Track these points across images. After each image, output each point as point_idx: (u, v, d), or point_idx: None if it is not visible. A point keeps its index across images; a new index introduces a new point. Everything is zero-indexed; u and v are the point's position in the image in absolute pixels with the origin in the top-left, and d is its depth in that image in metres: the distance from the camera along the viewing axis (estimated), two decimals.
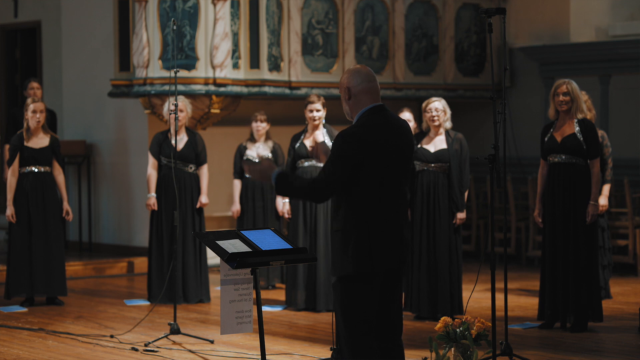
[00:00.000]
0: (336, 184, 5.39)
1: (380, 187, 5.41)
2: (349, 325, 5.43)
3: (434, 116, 9.21)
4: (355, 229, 5.39)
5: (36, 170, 10.08)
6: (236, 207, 11.17)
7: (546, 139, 8.80)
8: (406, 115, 10.10)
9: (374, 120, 5.45)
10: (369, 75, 5.50)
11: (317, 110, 9.73)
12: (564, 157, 8.70)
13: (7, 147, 10.91)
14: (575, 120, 8.69)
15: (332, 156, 5.41)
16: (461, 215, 9.24)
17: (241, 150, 11.20)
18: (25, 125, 10.05)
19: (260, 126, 11.14)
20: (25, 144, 10.04)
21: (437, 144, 9.29)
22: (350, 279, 5.42)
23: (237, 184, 11.20)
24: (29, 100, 10.07)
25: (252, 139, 11.22)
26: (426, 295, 9.22)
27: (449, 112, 9.29)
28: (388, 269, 5.45)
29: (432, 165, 9.27)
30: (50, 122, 11.91)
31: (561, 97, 8.67)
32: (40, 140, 10.09)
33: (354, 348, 5.43)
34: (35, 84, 11.63)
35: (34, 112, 9.98)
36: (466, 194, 9.35)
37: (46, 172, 10.11)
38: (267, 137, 11.23)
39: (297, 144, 9.83)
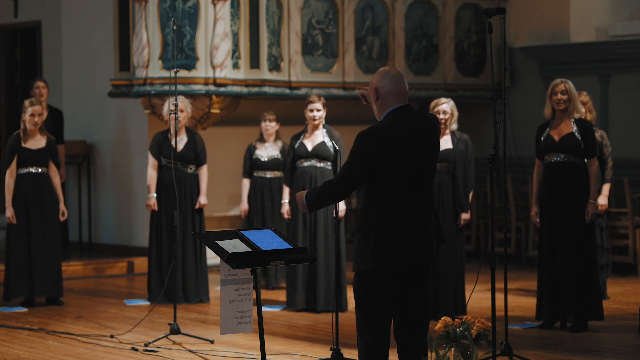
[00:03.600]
0: (352, 182, 5.54)
1: (399, 188, 5.51)
2: (362, 321, 5.57)
3: (441, 118, 9.21)
4: (373, 228, 5.52)
5: (34, 171, 10.07)
6: (244, 206, 11.18)
7: (542, 138, 8.80)
8: None
9: (395, 121, 5.55)
10: (397, 77, 5.60)
11: (318, 110, 9.71)
12: (562, 156, 8.69)
13: None
14: (573, 120, 8.69)
15: (350, 155, 5.56)
16: (465, 216, 9.24)
17: (251, 150, 11.21)
18: (22, 126, 10.03)
19: (269, 126, 11.14)
20: (23, 145, 10.03)
21: (442, 143, 9.25)
22: (365, 275, 5.57)
23: (246, 183, 11.21)
24: (27, 102, 10.03)
25: (262, 139, 11.22)
26: None
27: (456, 113, 9.30)
28: (397, 268, 5.54)
29: (437, 164, 9.24)
30: (57, 122, 11.91)
31: (559, 96, 8.66)
32: (38, 142, 10.07)
33: (364, 343, 5.59)
34: (41, 83, 11.64)
35: (32, 115, 9.95)
36: (471, 194, 9.36)
37: (44, 173, 10.10)
38: (277, 136, 11.23)
39: (297, 144, 9.83)
